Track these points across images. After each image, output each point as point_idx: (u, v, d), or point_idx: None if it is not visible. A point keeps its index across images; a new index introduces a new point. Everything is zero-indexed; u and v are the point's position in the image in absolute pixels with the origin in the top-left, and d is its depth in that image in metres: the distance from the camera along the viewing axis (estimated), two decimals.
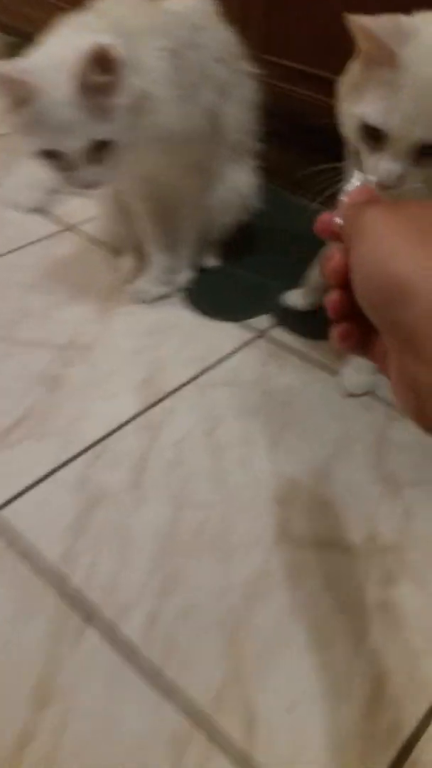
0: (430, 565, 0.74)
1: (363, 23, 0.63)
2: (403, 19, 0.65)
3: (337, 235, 0.39)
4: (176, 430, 0.90)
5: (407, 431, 0.91)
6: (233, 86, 0.99)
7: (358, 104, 0.67)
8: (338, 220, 0.39)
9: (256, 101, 1.06)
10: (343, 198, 0.42)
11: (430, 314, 0.30)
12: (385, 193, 0.66)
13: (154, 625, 0.68)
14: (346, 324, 0.38)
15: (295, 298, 1.11)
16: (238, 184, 1.10)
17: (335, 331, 0.39)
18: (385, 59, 0.63)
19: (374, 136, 0.66)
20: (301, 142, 1.18)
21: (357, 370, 0.97)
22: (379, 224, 0.35)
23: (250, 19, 1.18)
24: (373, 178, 0.67)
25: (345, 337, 0.38)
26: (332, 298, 0.38)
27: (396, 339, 0.33)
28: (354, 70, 0.69)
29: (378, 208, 0.36)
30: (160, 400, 0.95)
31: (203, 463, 0.85)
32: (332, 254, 0.38)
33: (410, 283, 0.31)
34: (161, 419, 0.91)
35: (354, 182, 0.45)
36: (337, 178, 0.70)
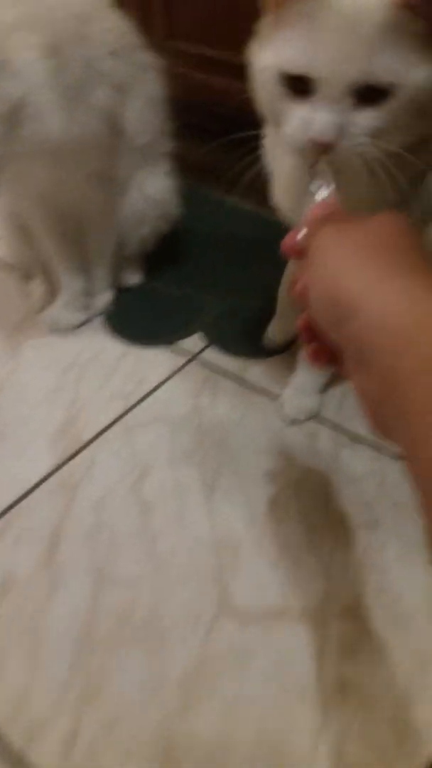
0: (394, 626, 0.64)
1: None
2: None
3: (301, 253, 0.41)
4: (97, 486, 0.78)
5: (358, 458, 0.81)
6: (133, 82, 0.86)
7: (273, 52, 0.53)
8: (300, 235, 0.41)
9: (163, 96, 0.94)
10: (306, 213, 0.44)
11: (372, 327, 0.32)
12: (328, 157, 0.51)
13: (72, 750, 0.56)
14: (316, 344, 0.40)
15: (273, 335, 0.98)
16: (153, 190, 0.98)
17: (307, 351, 0.42)
18: None
19: (298, 88, 0.52)
20: (222, 135, 1.06)
21: (298, 392, 0.86)
22: (329, 244, 0.38)
23: (151, 4, 1.05)
24: (306, 135, 0.52)
25: (316, 356, 0.41)
26: (302, 318, 0.41)
27: (349, 353, 0.35)
28: (266, 20, 0.55)
29: (329, 228, 0.39)
30: (79, 451, 0.82)
31: (129, 526, 0.73)
32: (296, 278, 0.41)
33: (354, 299, 0.34)
34: (80, 475, 0.79)
35: (317, 196, 0.46)
36: (254, 157, 0.61)
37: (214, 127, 1.10)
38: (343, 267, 0.35)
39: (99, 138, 0.84)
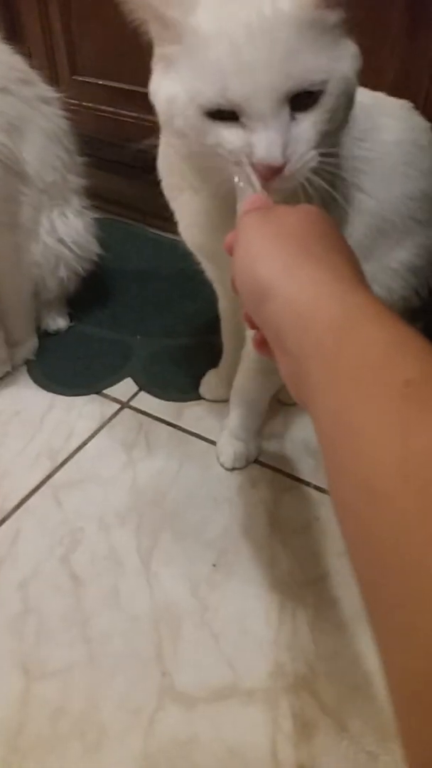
0: (351, 696, 0.59)
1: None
2: None
3: None
4: (22, 563, 0.71)
5: (301, 503, 0.76)
6: (29, 119, 0.80)
7: (182, 85, 0.47)
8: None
9: (66, 130, 0.88)
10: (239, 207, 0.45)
11: (285, 309, 0.35)
12: (274, 184, 0.46)
13: None
14: (259, 332, 0.41)
15: (208, 389, 0.92)
16: (66, 231, 0.92)
17: (253, 340, 0.43)
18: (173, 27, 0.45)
19: (224, 115, 0.46)
20: (138, 167, 1.01)
21: (233, 438, 0.81)
22: (250, 230, 0.40)
23: (53, 41, 1.00)
24: (252, 159, 0.46)
25: (259, 343, 0.41)
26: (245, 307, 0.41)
27: (269, 335, 0.37)
28: (157, 67, 0.50)
29: (251, 215, 0.42)
30: (0, 523, 0.75)
31: (59, 608, 0.67)
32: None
33: (267, 285, 0.36)
34: (2, 552, 0.72)
35: (245, 192, 0.45)
36: None
37: (128, 159, 1.06)
38: (260, 254, 0.38)
39: None
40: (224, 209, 0.57)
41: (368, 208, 0.66)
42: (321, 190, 0.50)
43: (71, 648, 0.63)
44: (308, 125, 0.46)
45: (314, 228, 0.39)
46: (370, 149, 0.64)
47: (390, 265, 0.69)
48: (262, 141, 0.45)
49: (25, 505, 0.77)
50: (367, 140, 0.64)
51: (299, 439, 0.85)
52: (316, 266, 0.36)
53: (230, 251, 0.42)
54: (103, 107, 1.01)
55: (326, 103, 0.46)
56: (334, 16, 0.45)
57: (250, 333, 0.73)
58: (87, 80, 1.01)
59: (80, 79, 1.01)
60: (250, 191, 0.46)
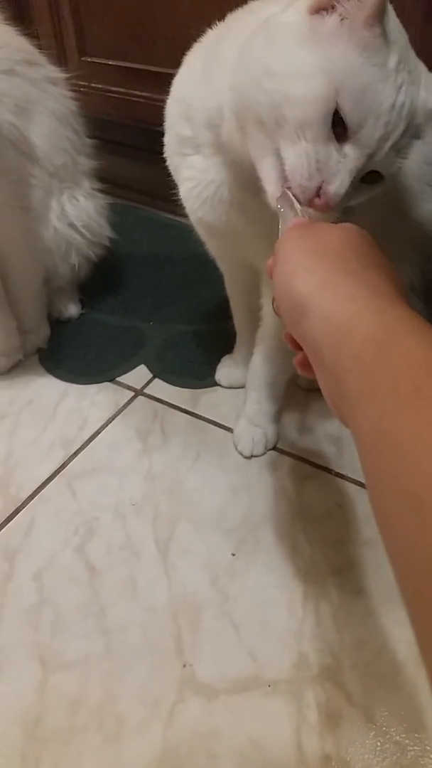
0: (378, 686, 0.57)
1: None
2: None
3: None
4: (37, 554, 0.69)
5: (324, 490, 0.74)
6: (37, 101, 0.78)
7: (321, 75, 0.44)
8: None
9: (75, 112, 0.86)
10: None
11: (323, 324, 0.35)
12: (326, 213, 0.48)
13: None
14: (302, 353, 0.40)
15: (224, 375, 0.89)
16: (76, 215, 0.90)
17: (296, 361, 0.42)
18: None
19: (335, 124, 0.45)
20: (148, 149, 0.99)
21: (251, 425, 0.79)
22: (288, 247, 0.41)
23: (61, 23, 0.97)
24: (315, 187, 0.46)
25: (302, 363, 0.41)
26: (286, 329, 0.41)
27: (309, 351, 0.38)
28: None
29: (294, 231, 0.42)
30: (15, 513, 0.74)
31: (75, 599, 0.65)
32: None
33: (307, 299, 0.37)
34: (17, 542, 0.71)
35: (286, 218, 0.45)
36: None
37: (139, 141, 1.04)
38: (298, 270, 0.39)
39: (5, 164, 0.76)
40: (242, 181, 0.55)
41: None
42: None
43: (88, 639, 0.62)
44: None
45: (353, 245, 0.40)
46: None
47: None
48: (335, 185, 0.46)
49: (39, 495, 0.76)
50: None
51: (320, 425, 0.83)
52: (354, 282, 0.36)
53: (271, 274, 0.42)
54: (113, 88, 0.98)
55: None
56: None
57: (267, 313, 0.71)
58: (96, 61, 0.98)
59: (89, 60, 0.98)
60: (291, 215, 0.46)
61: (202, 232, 0.67)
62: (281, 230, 0.46)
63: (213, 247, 0.70)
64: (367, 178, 0.48)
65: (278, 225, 0.47)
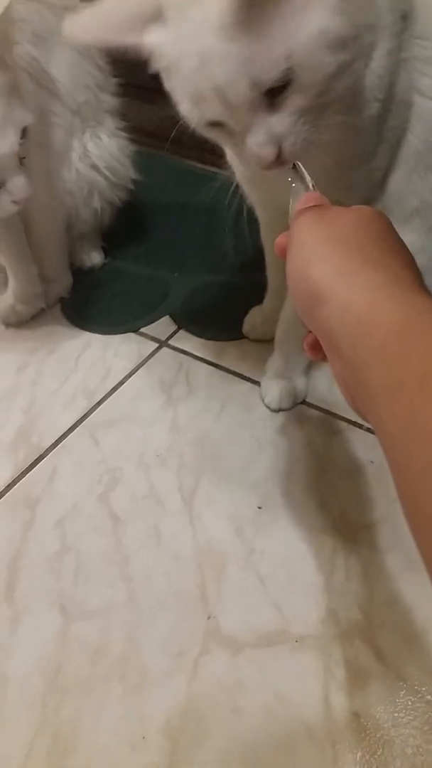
0: (408, 645, 0.55)
1: None
2: None
3: None
4: (60, 501, 0.68)
5: (353, 446, 0.71)
6: (56, 31, 0.73)
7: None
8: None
9: (96, 48, 0.81)
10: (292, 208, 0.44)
11: (340, 314, 0.34)
12: (287, 165, 0.47)
13: None
14: (313, 336, 0.40)
15: (252, 327, 0.86)
16: (99, 155, 0.86)
17: (306, 343, 0.42)
18: None
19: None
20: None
21: (278, 377, 0.76)
22: (303, 232, 0.40)
23: None
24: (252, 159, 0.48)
25: (312, 347, 0.41)
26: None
27: (322, 338, 0.38)
28: None
29: (305, 215, 0.41)
30: (37, 461, 0.72)
31: (97, 547, 0.64)
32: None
33: (323, 287, 0.36)
34: (39, 489, 0.69)
35: (297, 194, 0.45)
36: None
37: (161, 85, 0.98)
38: (313, 257, 0.37)
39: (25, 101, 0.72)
40: None
41: (430, 113, 0.59)
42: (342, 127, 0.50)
43: (111, 587, 0.61)
44: (289, 109, 0.46)
45: (370, 229, 0.39)
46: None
47: None
48: (253, 147, 0.46)
49: (61, 444, 0.74)
50: (429, 38, 0.57)
51: None
52: (372, 270, 0.35)
53: (282, 254, 0.41)
54: None
55: (299, 83, 0.44)
56: None
57: None
58: None
59: None
60: (302, 189, 0.45)
61: (247, 186, 0.65)
62: (292, 205, 0.45)
63: (256, 197, 0.67)
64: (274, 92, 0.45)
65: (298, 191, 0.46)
